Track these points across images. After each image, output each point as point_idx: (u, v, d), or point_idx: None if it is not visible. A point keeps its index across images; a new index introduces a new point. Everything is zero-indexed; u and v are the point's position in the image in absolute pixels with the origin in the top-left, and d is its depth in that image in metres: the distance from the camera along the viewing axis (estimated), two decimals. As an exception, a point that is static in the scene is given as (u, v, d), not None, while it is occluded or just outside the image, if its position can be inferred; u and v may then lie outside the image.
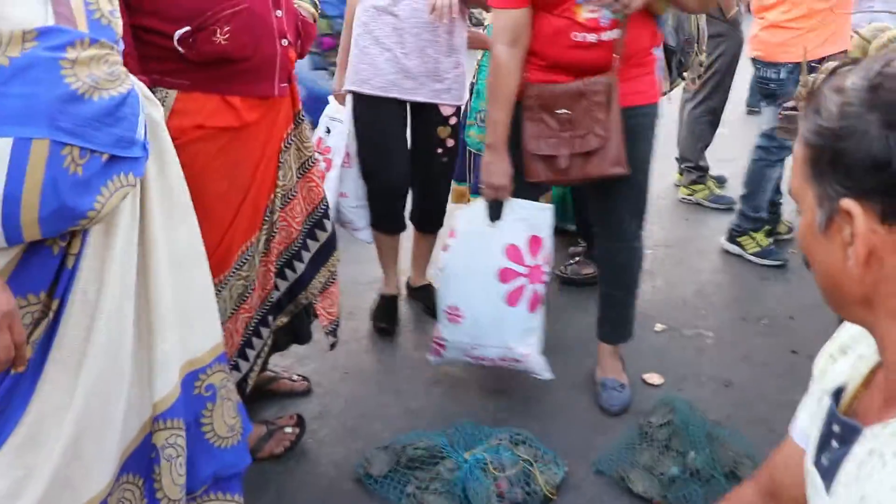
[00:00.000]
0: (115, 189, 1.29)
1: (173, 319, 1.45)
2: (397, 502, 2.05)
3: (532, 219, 2.32)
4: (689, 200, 4.28)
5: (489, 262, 2.33)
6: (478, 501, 1.99)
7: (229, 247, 1.87)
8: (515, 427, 2.34)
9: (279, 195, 1.97)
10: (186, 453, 1.50)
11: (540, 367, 2.43)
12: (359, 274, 3.29)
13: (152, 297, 1.42)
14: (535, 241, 2.33)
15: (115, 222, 1.34)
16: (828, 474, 0.89)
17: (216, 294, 1.84)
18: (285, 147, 1.97)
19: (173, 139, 1.60)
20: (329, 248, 2.19)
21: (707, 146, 4.19)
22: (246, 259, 1.92)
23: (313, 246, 2.15)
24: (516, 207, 2.31)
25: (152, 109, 1.43)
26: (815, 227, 0.86)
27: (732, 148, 4.81)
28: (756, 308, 3.18)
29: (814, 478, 0.92)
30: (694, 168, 4.23)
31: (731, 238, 3.64)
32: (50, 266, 1.30)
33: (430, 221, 3.00)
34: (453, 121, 2.78)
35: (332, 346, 2.34)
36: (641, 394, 2.58)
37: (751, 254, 3.56)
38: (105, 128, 1.26)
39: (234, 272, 1.90)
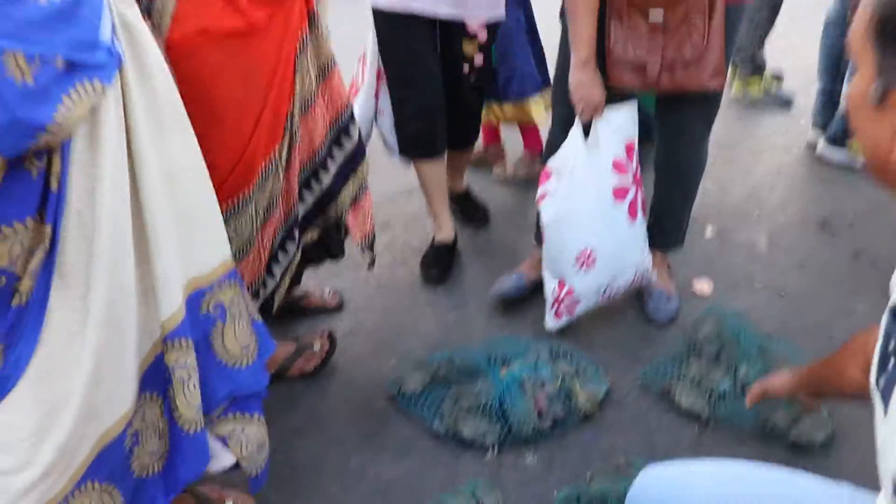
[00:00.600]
0: (78, 98, 1.16)
1: (170, 236, 1.35)
2: (431, 421, 1.98)
3: (625, 124, 2.13)
4: (743, 97, 4.01)
5: (602, 187, 2.14)
6: (516, 420, 1.91)
7: (252, 159, 1.76)
8: (555, 340, 2.24)
9: (297, 101, 1.84)
10: (199, 374, 1.43)
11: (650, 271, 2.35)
12: (392, 183, 3.16)
13: (146, 214, 1.31)
14: (630, 147, 2.16)
15: (99, 136, 1.22)
16: (885, 396, 0.81)
17: (241, 210, 1.76)
18: (301, 49, 1.83)
19: (178, 48, 1.48)
20: (356, 157, 2.06)
21: (766, 35, 3.87)
22: (270, 171, 1.82)
23: (339, 155, 2.03)
24: (608, 118, 2.10)
25: (125, 8, 1.28)
26: (868, 96, 0.76)
27: (794, 38, 4.49)
28: (813, 212, 2.98)
29: (876, 400, 0.85)
30: (749, 61, 3.94)
31: (836, 140, 3.26)
32: (32, 190, 1.21)
33: (461, 140, 2.78)
34: (482, 37, 2.51)
35: (371, 264, 2.25)
36: (690, 304, 2.45)
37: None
38: (56, 31, 1.13)
39: (259, 186, 1.79)
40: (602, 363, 2.17)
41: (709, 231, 2.86)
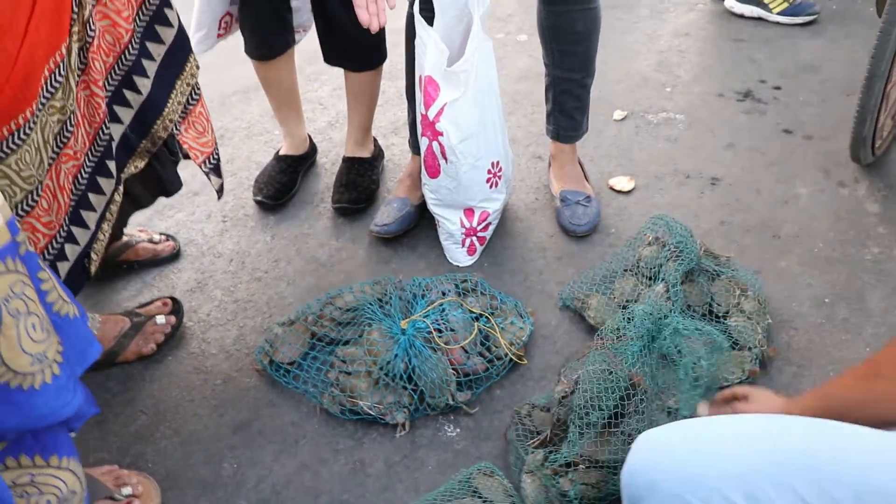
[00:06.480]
0: None
1: None
2: (318, 398, 1.71)
3: None
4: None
5: (494, 75, 1.97)
6: (428, 386, 1.65)
7: (30, 64, 1.37)
8: (459, 272, 2.00)
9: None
10: None
11: None
12: (229, 81, 2.76)
13: None
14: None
15: None
16: None
17: (24, 137, 1.37)
18: None
19: None
20: (180, 51, 1.72)
21: None
22: (59, 81, 1.44)
23: (157, 51, 1.67)
24: None
25: None
26: None
27: None
28: (733, 80, 2.81)
29: None
30: None
31: None
32: None
33: (350, 50, 2.18)
34: None
35: (219, 192, 1.88)
36: (610, 205, 2.25)
37: (777, 13, 3.13)
38: None
39: (44, 102, 1.41)
40: (519, 294, 1.94)
41: (618, 113, 2.65)
